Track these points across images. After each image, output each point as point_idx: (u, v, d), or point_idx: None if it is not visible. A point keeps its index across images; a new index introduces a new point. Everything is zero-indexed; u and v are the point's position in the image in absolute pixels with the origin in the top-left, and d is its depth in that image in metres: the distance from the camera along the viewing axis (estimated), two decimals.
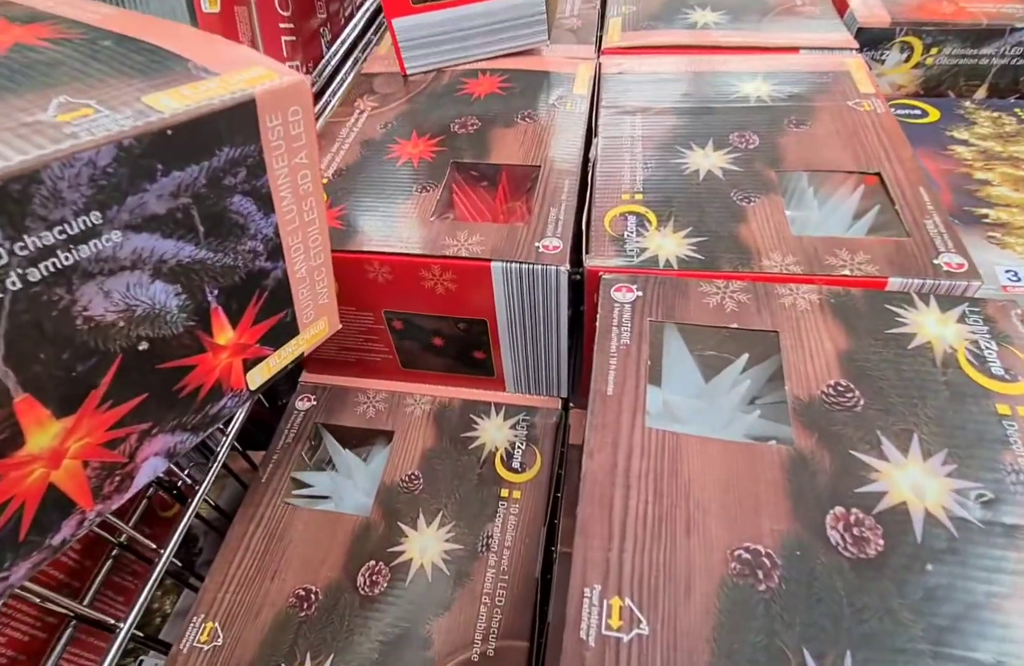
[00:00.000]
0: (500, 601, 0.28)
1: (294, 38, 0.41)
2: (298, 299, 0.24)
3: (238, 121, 0.18)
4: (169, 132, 0.16)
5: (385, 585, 0.29)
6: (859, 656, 0.16)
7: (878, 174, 0.31)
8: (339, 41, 0.47)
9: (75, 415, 0.17)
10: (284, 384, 0.41)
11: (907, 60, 0.43)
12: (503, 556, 0.29)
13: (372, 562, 0.29)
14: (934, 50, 0.43)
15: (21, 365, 0.15)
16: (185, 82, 0.18)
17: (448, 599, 0.28)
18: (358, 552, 0.30)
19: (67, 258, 0.15)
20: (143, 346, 0.19)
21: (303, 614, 0.28)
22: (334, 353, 0.37)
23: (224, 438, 0.33)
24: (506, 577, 0.29)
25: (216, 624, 0.28)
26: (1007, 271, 0.29)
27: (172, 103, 0.17)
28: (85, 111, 0.15)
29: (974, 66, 0.43)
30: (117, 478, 0.20)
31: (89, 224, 0.15)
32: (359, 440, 0.36)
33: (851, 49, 0.41)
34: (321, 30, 0.46)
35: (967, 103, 0.42)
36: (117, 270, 0.17)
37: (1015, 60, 0.42)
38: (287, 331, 0.24)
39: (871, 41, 0.44)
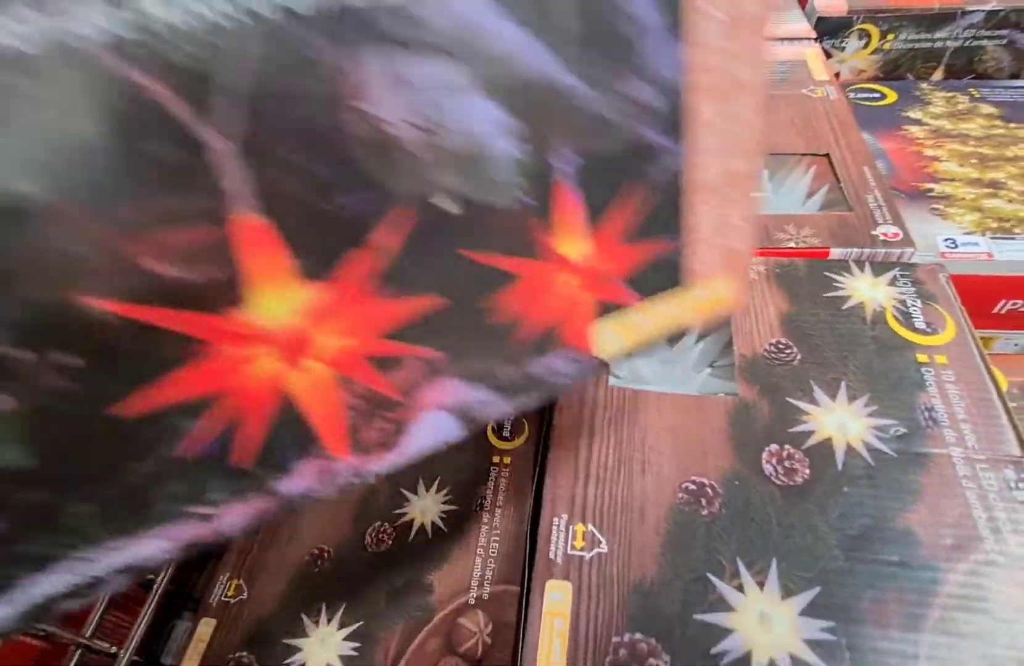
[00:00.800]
0: (493, 552, 0.31)
1: None
2: (693, 223, 0.13)
3: None
4: None
5: (390, 542, 0.32)
6: (783, 563, 0.19)
7: (827, 155, 0.34)
8: None
9: (326, 280, 0.11)
10: None
11: (866, 46, 0.46)
12: (495, 514, 0.32)
13: (378, 523, 0.33)
14: (891, 36, 0.45)
15: (256, 158, 0.09)
16: None
17: (447, 553, 0.31)
18: (365, 515, 0.33)
19: None
20: (446, 204, 0.11)
21: (317, 570, 0.31)
22: None
23: None
24: (498, 531, 0.31)
25: (241, 581, 0.31)
26: (945, 239, 0.31)
27: None
28: None
29: (929, 49, 0.45)
30: (381, 422, 0.13)
31: None
32: None
33: (809, 39, 0.43)
34: None
35: (924, 85, 0.45)
36: (416, 46, 0.09)
37: (968, 42, 0.44)
38: (665, 273, 0.14)
39: (831, 29, 0.46)
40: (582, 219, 0.12)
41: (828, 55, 0.45)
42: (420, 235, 0.11)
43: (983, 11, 0.43)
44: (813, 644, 0.17)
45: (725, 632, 0.18)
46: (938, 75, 0.46)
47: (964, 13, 0.43)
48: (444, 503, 0.33)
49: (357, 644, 0.29)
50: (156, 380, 0.10)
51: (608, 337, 0.14)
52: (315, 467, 0.13)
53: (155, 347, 0.10)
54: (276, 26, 0.09)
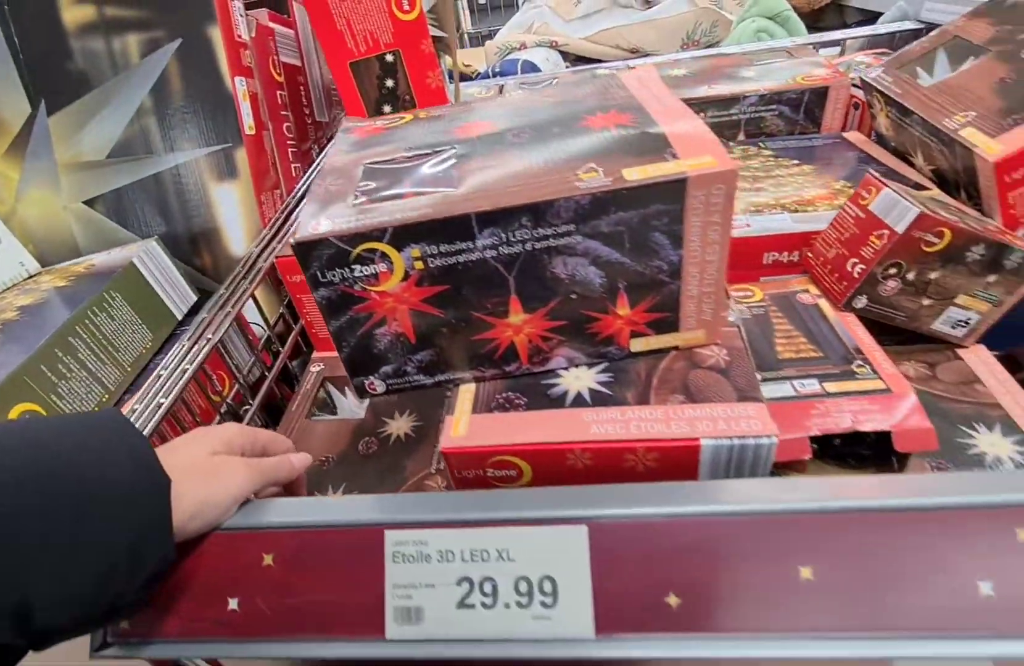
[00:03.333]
0: None
1: (296, 150, 0.64)
2: (684, 309, 0.32)
3: (673, 191, 0.28)
4: (625, 192, 0.28)
5: (376, 448, 0.45)
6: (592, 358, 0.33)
7: None
8: (324, 151, 0.70)
9: (530, 315, 0.31)
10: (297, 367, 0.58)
11: None
12: None
13: (367, 438, 0.46)
14: (702, 114, 0.67)
15: (525, 291, 0.30)
16: (655, 162, 0.28)
17: (415, 449, 0.44)
18: (357, 435, 0.46)
19: (554, 242, 0.29)
20: (573, 296, 0.31)
21: (325, 468, 0.44)
22: None
23: (268, 377, 0.50)
24: None
25: None
26: None
27: (637, 175, 0.28)
28: (593, 174, 0.28)
29: (729, 121, 0.66)
30: (541, 356, 0.34)
31: (568, 230, 0.28)
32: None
33: None
34: (313, 146, 0.70)
35: (731, 143, 0.65)
36: (574, 255, 0.29)
37: (753, 114, 0.66)
38: (668, 326, 0.33)
39: None
40: (627, 302, 0.31)
41: None
42: (562, 306, 0.32)
43: (757, 95, 0.65)
44: (601, 382, 0.31)
45: (555, 385, 0.32)
46: (741, 136, 0.67)
47: (744, 97, 0.65)
48: (413, 422, 0.46)
49: None
50: None
51: (637, 344, 0.33)
52: (512, 367, 0.34)
53: None
54: None
